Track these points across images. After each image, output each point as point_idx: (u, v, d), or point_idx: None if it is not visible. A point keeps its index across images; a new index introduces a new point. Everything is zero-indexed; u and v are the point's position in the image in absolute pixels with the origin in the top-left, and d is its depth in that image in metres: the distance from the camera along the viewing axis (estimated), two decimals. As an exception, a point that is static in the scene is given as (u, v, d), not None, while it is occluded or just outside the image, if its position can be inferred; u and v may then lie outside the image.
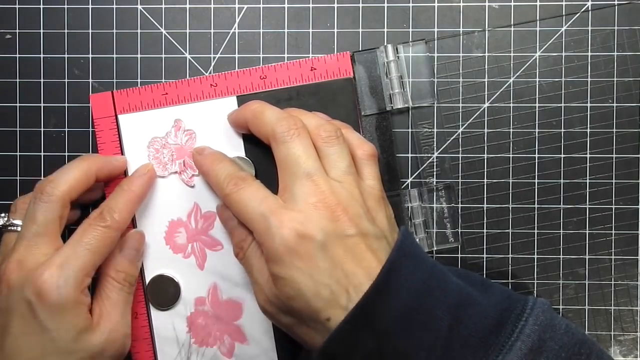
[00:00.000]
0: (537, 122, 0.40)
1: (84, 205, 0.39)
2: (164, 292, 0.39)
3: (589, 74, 0.40)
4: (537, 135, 0.40)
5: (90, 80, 0.41)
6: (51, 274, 0.32)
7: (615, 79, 0.40)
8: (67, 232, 0.38)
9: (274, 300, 0.33)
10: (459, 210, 0.40)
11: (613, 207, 0.40)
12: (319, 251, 0.31)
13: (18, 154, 0.41)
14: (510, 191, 0.40)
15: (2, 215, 0.37)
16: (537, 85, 0.40)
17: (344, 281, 0.31)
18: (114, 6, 0.41)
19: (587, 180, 0.40)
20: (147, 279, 0.39)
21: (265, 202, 0.33)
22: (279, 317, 0.33)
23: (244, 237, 0.35)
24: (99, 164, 0.37)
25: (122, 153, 0.39)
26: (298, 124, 0.34)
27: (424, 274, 0.31)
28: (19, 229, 0.35)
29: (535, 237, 0.40)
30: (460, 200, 0.40)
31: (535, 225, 0.40)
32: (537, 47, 0.40)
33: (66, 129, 0.41)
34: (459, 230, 0.40)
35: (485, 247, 0.40)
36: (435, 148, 0.40)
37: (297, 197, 0.32)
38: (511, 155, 0.40)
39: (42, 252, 0.34)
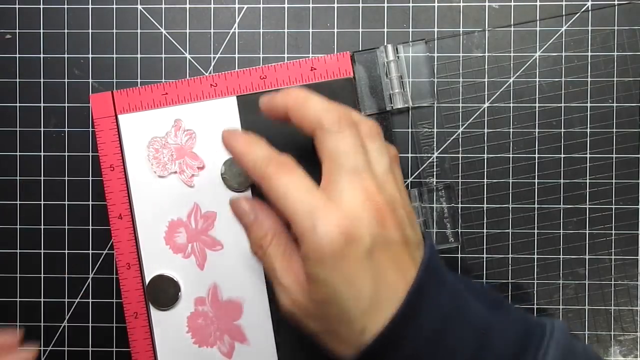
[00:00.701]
0: (537, 122, 0.40)
1: None
2: (164, 292, 0.39)
3: (589, 74, 0.40)
4: (537, 135, 0.40)
5: (90, 80, 0.41)
6: None
7: (615, 79, 0.40)
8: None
9: (304, 303, 0.30)
10: (459, 210, 0.40)
11: (613, 207, 0.40)
12: (365, 256, 0.29)
13: (18, 154, 0.41)
14: (510, 191, 0.40)
15: None
16: (537, 85, 0.40)
17: (385, 292, 0.29)
18: (114, 6, 0.41)
19: (587, 180, 0.40)
20: (147, 279, 0.39)
21: (311, 195, 0.30)
22: (306, 321, 0.31)
23: (264, 234, 0.32)
24: None
25: (122, 153, 0.39)
26: (347, 115, 0.32)
27: (449, 295, 0.30)
28: None
29: (535, 237, 0.40)
30: (460, 200, 0.40)
31: (535, 225, 0.40)
32: (537, 47, 0.40)
33: (66, 129, 0.41)
34: (459, 230, 0.40)
35: (485, 247, 0.40)
36: (435, 148, 0.40)
37: (345, 193, 0.30)
38: (511, 155, 0.40)
39: None
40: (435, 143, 0.40)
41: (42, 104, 0.41)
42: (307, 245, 0.29)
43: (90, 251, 0.41)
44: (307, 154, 0.39)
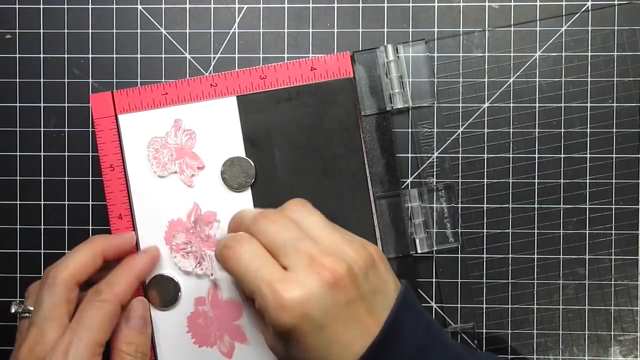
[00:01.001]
0: (537, 122, 0.40)
1: None
2: (164, 292, 0.39)
3: (589, 74, 0.40)
4: (537, 135, 0.40)
5: (90, 80, 0.41)
6: None
7: (615, 79, 0.40)
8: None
9: (280, 352, 0.33)
10: (459, 210, 0.40)
11: (613, 207, 0.40)
12: (318, 331, 0.30)
13: (18, 154, 0.41)
14: (510, 191, 0.40)
15: (17, 302, 0.36)
16: (537, 85, 0.40)
17: (344, 352, 0.31)
18: (114, 6, 0.41)
19: (587, 180, 0.40)
20: (147, 279, 0.39)
21: (262, 271, 0.32)
22: None
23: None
24: (105, 243, 0.37)
25: (122, 153, 0.39)
26: (255, 210, 0.35)
27: (425, 328, 0.32)
28: None
29: (535, 237, 0.40)
30: (460, 200, 0.40)
31: (535, 225, 0.40)
32: (537, 47, 0.40)
33: (66, 129, 0.41)
34: (459, 230, 0.40)
35: (485, 247, 0.40)
36: (435, 148, 0.40)
37: (293, 267, 0.31)
38: (511, 155, 0.40)
39: (51, 338, 0.33)
40: (435, 143, 0.40)
41: (42, 104, 0.41)
42: (267, 320, 0.31)
43: (90, 251, 0.41)
44: (306, 153, 0.39)
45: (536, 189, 0.40)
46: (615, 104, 0.40)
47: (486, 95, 0.40)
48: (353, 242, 0.33)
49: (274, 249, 0.32)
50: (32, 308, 0.35)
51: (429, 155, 0.40)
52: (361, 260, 0.32)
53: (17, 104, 0.41)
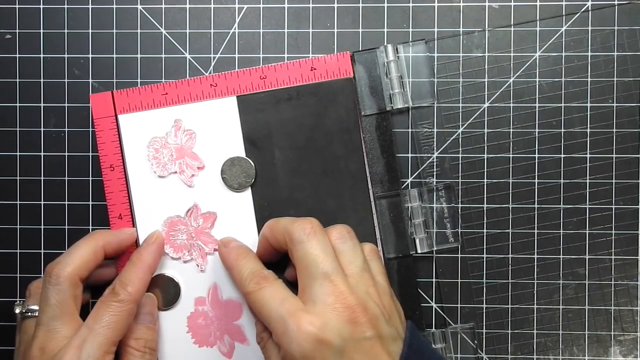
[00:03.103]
0: (537, 122, 0.40)
1: (100, 285, 0.38)
2: (164, 292, 0.39)
3: (589, 74, 0.40)
4: (537, 135, 0.40)
5: (90, 80, 0.41)
6: (71, 357, 0.32)
7: (615, 79, 0.40)
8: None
9: None
10: (459, 210, 0.40)
11: (613, 207, 0.40)
12: (336, 358, 0.31)
13: (18, 154, 0.41)
14: (510, 191, 0.40)
15: (19, 302, 0.36)
16: (537, 85, 0.40)
17: None
18: (114, 6, 0.41)
19: (587, 180, 0.40)
20: (147, 279, 0.39)
21: (285, 303, 0.33)
22: None
23: (262, 331, 0.36)
24: (106, 239, 0.37)
25: (122, 153, 0.39)
26: (313, 223, 0.34)
27: None
28: (36, 314, 0.35)
29: (535, 237, 0.40)
30: (460, 200, 0.40)
31: (535, 225, 0.40)
32: (537, 47, 0.40)
33: (66, 129, 0.41)
34: (459, 230, 0.40)
35: (485, 247, 0.40)
36: (435, 148, 0.40)
37: (316, 298, 0.32)
38: (511, 155, 0.40)
39: (62, 335, 0.34)
40: (435, 143, 0.40)
41: (42, 104, 0.41)
42: (282, 349, 0.32)
43: (90, 251, 0.41)
44: (306, 153, 0.39)
45: (536, 189, 0.40)
46: (615, 104, 0.40)
47: (486, 95, 0.40)
48: (381, 288, 0.34)
49: (306, 269, 0.33)
50: (36, 307, 0.35)
51: (429, 155, 0.40)
52: (387, 305, 0.33)
53: (17, 104, 0.41)
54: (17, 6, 0.41)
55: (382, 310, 0.33)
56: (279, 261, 0.37)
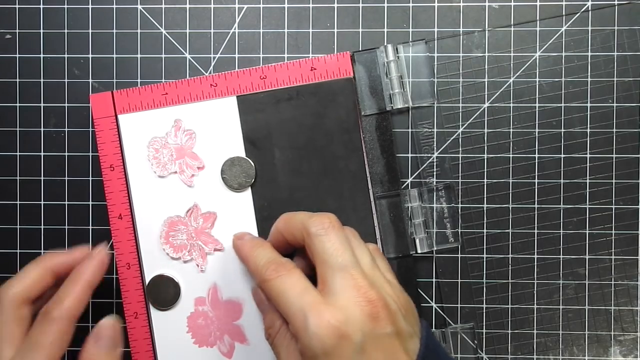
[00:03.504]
0: (537, 122, 0.40)
1: None
2: (164, 292, 0.39)
3: (589, 74, 0.40)
4: (537, 135, 0.40)
5: (90, 80, 0.41)
6: None
7: (615, 79, 0.40)
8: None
9: None
10: (459, 210, 0.40)
11: (613, 207, 0.40)
12: (357, 353, 0.30)
13: (18, 154, 0.41)
14: (510, 191, 0.40)
15: None
16: (537, 85, 0.40)
17: None
18: (114, 6, 0.41)
19: (587, 180, 0.40)
20: (147, 279, 0.39)
21: (305, 295, 0.32)
22: None
23: (273, 323, 0.35)
24: (55, 260, 0.36)
25: (122, 153, 0.39)
26: (331, 217, 0.34)
27: None
28: None
29: (535, 237, 0.40)
30: (460, 200, 0.40)
31: (535, 225, 0.40)
32: (537, 47, 0.40)
33: (66, 129, 0.41)
34: (459, 230, 0.40)
35: (485, 247, 0.40)
36: (435, 148, 0.40)
37: (337, 291, 0.32)
38: (511, 155, 0.40)
39: (6, 357, 0.33)
40: (435, 143, 0.40)
41: (42, 104, 0.41)
42: (301, 343, 0.31)
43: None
44: (306, 153, 0.39)
45: (536, 189, 0.40)
46: (615, 104, 0.40)
47: (486, 95, 0.40)
48: (393, 285, 0.34)
49: (325, 262, 0.33)
50: None
51: (429, 155, 0.40)
52: (402, 302, 0.33)
53: (17, 104, 0.41)
54: (17, 6, 0.41)
55: (398, 306, 0.32)
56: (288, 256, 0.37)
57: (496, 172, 0.40)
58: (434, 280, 0.40)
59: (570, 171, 0.40)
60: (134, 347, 0.39)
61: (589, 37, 0.40)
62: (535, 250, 0.40)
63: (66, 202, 0.41)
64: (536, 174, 0.40)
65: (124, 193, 0.39)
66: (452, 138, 0.40)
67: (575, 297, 0.40)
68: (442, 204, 0.40)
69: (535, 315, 0.40)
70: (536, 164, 0.40)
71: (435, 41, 0.40)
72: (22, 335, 0.34)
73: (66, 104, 0.41)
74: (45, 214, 0.41)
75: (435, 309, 0.40)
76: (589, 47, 0.40)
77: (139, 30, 0.41)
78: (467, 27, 0.40)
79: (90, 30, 0.41)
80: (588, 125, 0.40)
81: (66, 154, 0.41)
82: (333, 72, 0.39)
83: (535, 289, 0.40)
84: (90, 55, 0.41)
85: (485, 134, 0.40)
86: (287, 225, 0.35)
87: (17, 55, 0.41)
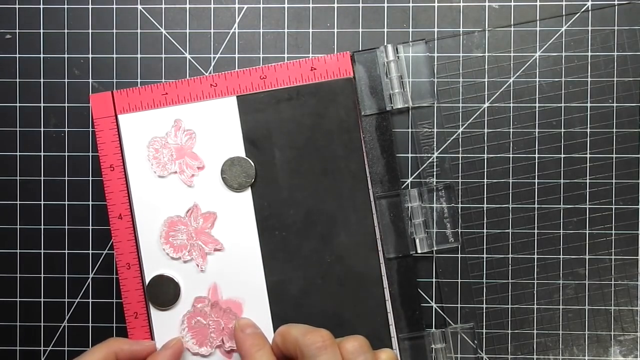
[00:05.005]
0: (537, 122, 0.40)
1: None
2: (164, 292, 0.39)
3: (589, 74, 0.40)
4: (537, 135, 0.40)
5: (90, 80, 0.41)
6: None
7: (615, 79, 0.40)
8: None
9: None
10: (459, 210, 0.40)
11: (613, 207, 0.40)
12: None
13: (18, 154, 0.41)
14: (510, 191, 0.40)
15: None
16: (537, 85, 0.40)
17: None
18: (114, 6, 0.41)
19: (587, 180, 0.40)
20: (147, 279, 0.39)
21: None
22: None
23: None
24: (120, 347, 0.37)
25: (122, 153, 0.39)
26: (325, 336, 0.33)
27: None
28: None
29: (535, 237, 0.40)
30: (460, 200, 0.40)
31: (535, 225, 0.40)
32: (537, 47, 0.40)
33: (66, 129, 0.41)
34: (459, 230, 0.40)
35: (485, 247, 0.40)
36: (435, 148, 0.40)
37: None
38: (511, 155, 0.40)
39: None
40: (435, 143, 0.40)
41: (42, 104, 0.41)
42: None
43: (90, 251, 0.41)
44: (306, 153, 0.39)
45: (536, 189, 0.40)
46: (615, 104, 0.40)
47: (486, 95, 0.40)
48: None
49: None
50: None
51: (429, 155, 0.40)
52: None
53: (17, 104, 0.41)
54: (17, 6, 0.41)
55: None
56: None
57: (496, 172, 0.40)
58: (434, 280, 0.40)
59: (570, 171, 0.40)
60: (134, 347, 0.39)
61: (589, 37, 0.40)
62: (535, 250, 0.40)
63: (66, 202, 0.41)
64: (536, 174, 0.40)
65: (124, 193, 0.39)
66: (452, 138, 0.40)
67: (575, 297, 0.40)
68: (442, 204, 0.40)
69: (535, 315, 0.40)
70: (536, 164, 0.40)
71: (435, 41, 0.40)
72: None
73: (66, 104, 0.41)
74: (45, 214, 0.41)
75: (435, 309, 0.40)
76: (589, 47, 0.40)
77: (139, 30, 0.41)
78: (467, 27, 0.40)
79: (90, 30, 0.41)
80: (588, 125, 0.40)
81: (66, 154, 0.41)
82: (333, 72, 0.39)
83: (535, 289, 0.40)
84: (90, 55, 0.41)
85: (485, 134, 0.40)
86: (283, 341, 0.35)
87: (17, 55, 0.41)
